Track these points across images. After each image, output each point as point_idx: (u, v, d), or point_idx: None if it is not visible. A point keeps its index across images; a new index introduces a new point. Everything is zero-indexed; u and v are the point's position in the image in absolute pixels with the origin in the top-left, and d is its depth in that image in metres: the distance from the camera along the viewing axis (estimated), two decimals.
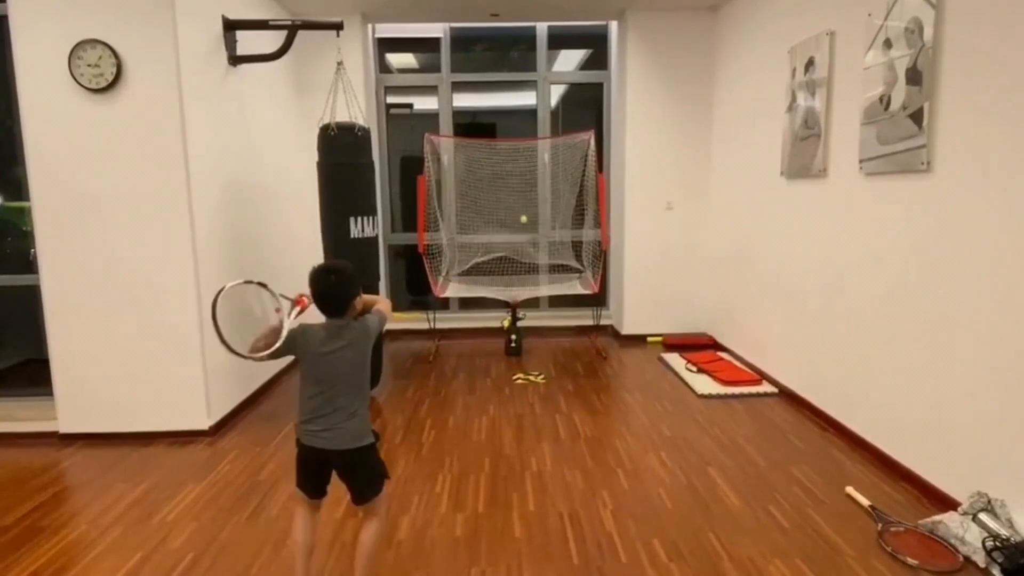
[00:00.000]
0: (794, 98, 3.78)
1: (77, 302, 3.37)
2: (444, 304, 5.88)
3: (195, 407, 3.45)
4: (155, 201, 3.31)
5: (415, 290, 6.02)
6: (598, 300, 5.47)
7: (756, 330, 4.46)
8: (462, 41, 5.72)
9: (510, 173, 5.39)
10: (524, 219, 5.28)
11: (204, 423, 3.47)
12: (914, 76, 2.69)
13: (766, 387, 4.10)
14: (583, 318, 5.75)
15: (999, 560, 2.11)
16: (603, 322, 5.78)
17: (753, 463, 3.05)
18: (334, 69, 3.86)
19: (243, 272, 3.93)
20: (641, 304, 5.47)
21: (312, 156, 3.96)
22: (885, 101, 2.89)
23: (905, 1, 2.75)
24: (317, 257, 3.97)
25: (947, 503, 2.53)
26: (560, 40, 5.73)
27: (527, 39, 5.67)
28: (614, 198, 5.63)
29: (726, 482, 2.86)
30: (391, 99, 5.80)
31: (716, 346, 5.10)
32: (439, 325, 5.61)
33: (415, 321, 5.75)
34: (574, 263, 5.50)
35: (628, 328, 5.49)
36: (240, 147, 4.00)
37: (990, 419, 2.38)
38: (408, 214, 5.86)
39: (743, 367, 4.48)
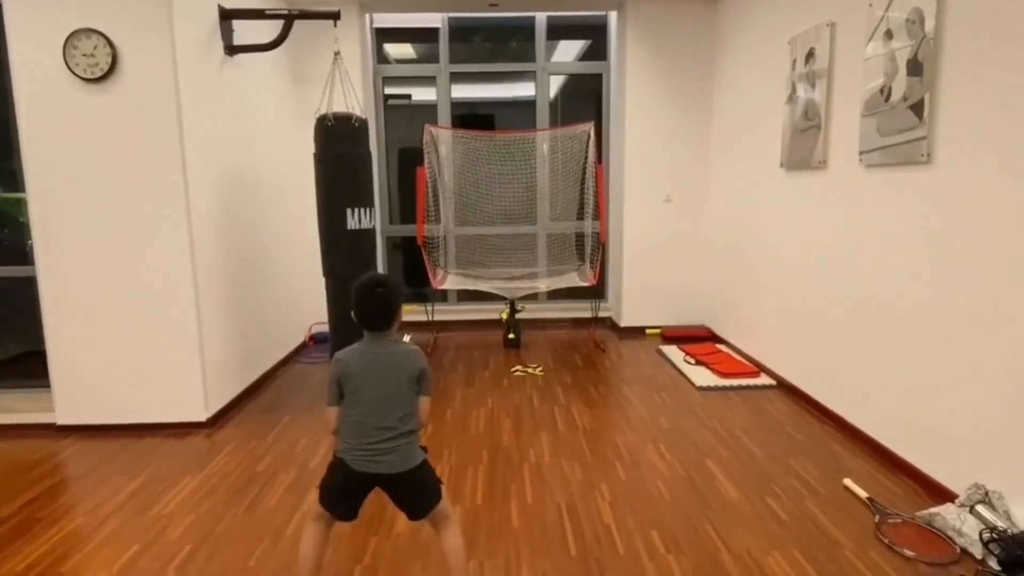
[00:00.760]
0: (794, 89, 3.76)
1: (74, 294, 3.35)
2: (442, 296, 5.87)
3: (192, 399, 3.45)
4: (151, 191, 3.29)
5: (413, 282, 6.00)
6: (596, 292, 5.46)
7: (755, 322, 4.46)
8: (460, 31, 5.68)
9: (509, 165, 5.37)
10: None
11: (202, 415, 3.46)
12: (915, 67, 2.67)
13: (764, 379, 4.10)
14: (581, 310, 5.75)
15: (996, 552, 2.12)
16: (601, 314, 5.78)
17: (751, 455, 3.05)
18: (331, 59, 3.83)
19: (239, 263, 3.92)
20: (639, 296, 5.46)
21: (309, 147, 3.93)
22: (886, 92, 2.87)
23: None
24: (314, 248, 3.96)
25: (945, 495, 2.53)
26: (559, 30, 5.70)
27: (526, 29, 5.63)
28: (613, 190, 5.61)
29: (724, 474, 2.86)
30: (389, 90, 5.77)
31: (714, 338, 5.10)
32: (437, 317, 5.60)
33: (413, 313, 5.74)
34: (573, 255, 5.49)
35: (627, 320, 5.49)
36: (237, 137, 3.98)
37: (988, 411, 2.38)
38: (406, 206, 5.84)
39: (742, 359, 4.48)
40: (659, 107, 5.23)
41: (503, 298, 5.12)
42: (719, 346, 4.83)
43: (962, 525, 2.26)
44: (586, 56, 5.85)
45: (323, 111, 3.74)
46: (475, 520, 2.51)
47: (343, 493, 1.91)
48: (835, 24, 3.34)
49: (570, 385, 4.16)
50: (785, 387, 3.96)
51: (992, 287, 2.34)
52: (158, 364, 3.41)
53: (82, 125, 3.23)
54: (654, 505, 2.61)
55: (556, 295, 5.87)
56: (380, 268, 4.79)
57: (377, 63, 5.61)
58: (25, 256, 3.57)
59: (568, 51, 5.88)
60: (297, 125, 4.99)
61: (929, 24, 2.59)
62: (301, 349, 5.01)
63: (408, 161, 5.66)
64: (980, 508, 2.28)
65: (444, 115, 5.70)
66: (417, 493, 1.92)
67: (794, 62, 3.76)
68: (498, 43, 5.84)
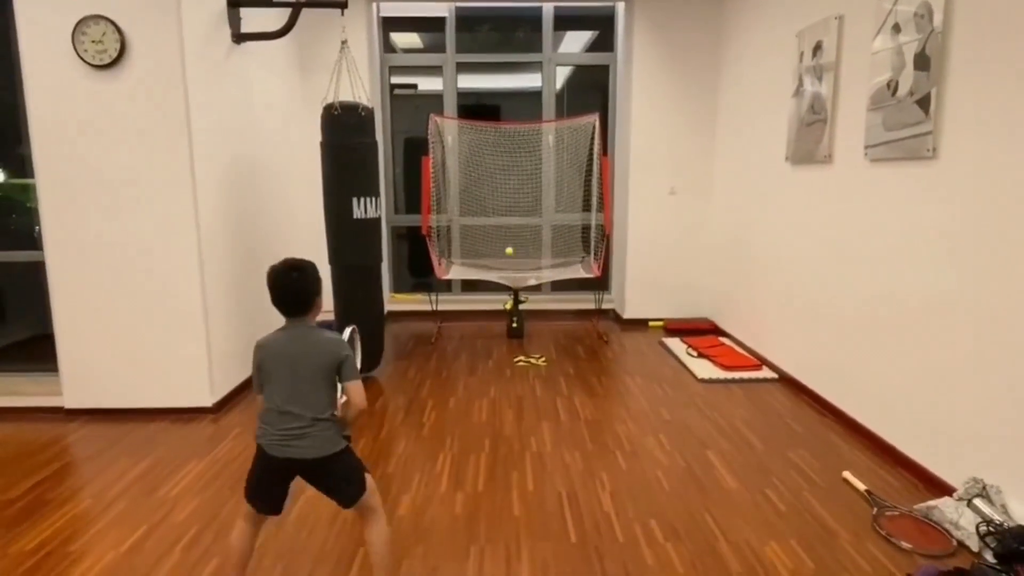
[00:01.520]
0: (801, 83, 3.75)
1: (81, 279, 3.38)
2: (447, 286, 5.89)
3: (199, 384, 3.48)
4: (159, 178, 3.31)
5: (417, 272, 6.03)
6: (600, 284, 5.48)
7: (757, 315, 4.47)
8: (467, 21, 5.67)
9: (514, 156, 5.37)
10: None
11: (207, 400, 3.50)
12: (922, 62, 2.67)
13: (766, 372, 4.12)
14: (585, 302, 5.76)
15: (992, 545, 2.14)
16: (605, 306, 5.79)
17: (751, 447, 3.07)
18: (338, 48, 3.84)
19: (245, 249, 3.94)
20: (643, 288, 5.47)
21: (315, 136, 3.95)
22: (892, 87, 2.87)
23: None
24: (320, 237, 3.98)
25: (943, 489, 2.55)
26: (566, 21, 5.68)
27: (533, 20, 5.62)
28: (618, 182, 5.61)
29: (724, 465, 2.89)
30: (395, 79, 5.77)
31: (717, 331, 5.12)
32: (441, 307, 5.62)
33: (417, 303, 5.76)
34: (577, 247, 5.50)
35: (630, 312, 5.51)
36: (244, 125, 4.00)
37: (987, 406, 2.39)
38: (411, 196, 5.85)
39: (744, 352, 4.49)
40: (665, 99, 5.22)
41: (507, 288, 5.14)
42: (721, 339, 4.84)
43: (959, 518, 2.28)
44: (593, 47, 5.83)
45: (330, 100, 3.76)
46: (476, 506, 2.54)
47: (262, 480, 1.88)
48: (843, 17, 3.33)
49: (572, 376, 4.18)
50: (786, 380, 3.98)
51: (994, 282, 2.35)
52: (165, 349, 3.44)
53: (91, 111, 3.25)
54: (654, 494, 2.64)
55: (560, 286, 5.89)
56: (385, 258, 4.80)
57: (384, 52, 5.61)
58: (33, 241, 3.60)
59: (575, 42, 5.86)
60: (303, 114, 5.00)
61: (937, 18, 2.58)
62: None
63: (413, 151, 5.67)
64: (978, 502, 2.30)
65: (450, 105, 5.70)
66: (335, 481, 1.88)
67: (801, 55, 3.75)
68: (505, 33, 5.83)
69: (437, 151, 5.21)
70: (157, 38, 3.20)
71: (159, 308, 3.41)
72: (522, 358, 4.56)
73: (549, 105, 5.72)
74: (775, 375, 4.08)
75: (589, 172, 5.29)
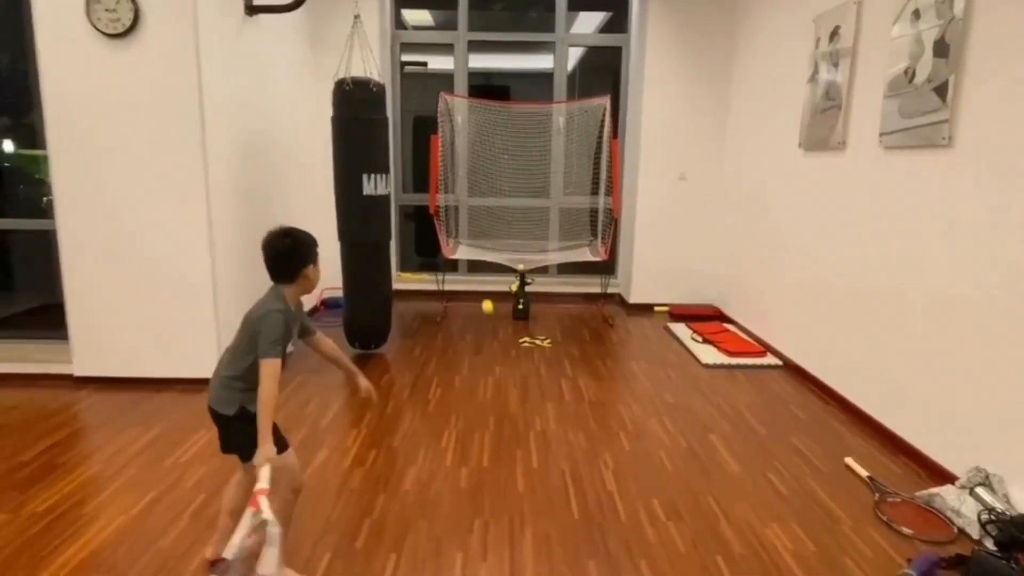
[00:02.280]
0: (817, 68, 3.72)
1: (92, 248, 3.40)
2: (453, 266, 5.90)
3: (207, 355, 3.50)
4: (170, 149, 3.31)
5: (424, 251, 6.03)
6: (606, 268, 5.48)
7: (763, 302, 4.47)
8: None
9: (524, 137, 5.35)
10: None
11: None
12: (941, 48, 2.64)
13: (771, 359, 4.13)
14: (591, 285, 5.77)
15: (993, 533, 2.15)
16: (611, 290, 5.79)
17: (754, 431, 3.09)
18: (350, 23, 3.81)
19: (254, 222, 3.95)
20: (649, 273, 5.47)
21: (325, 110, 3.94)
22: (910, 74, 2.84)
23: None
24: (329, 212, 3.98)
25: (945, 477, 2.57)
26: (579, 1, 5.62)
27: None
28: (627, 166, 5.58)
29: (726, 448, 2.91)
30: (406, 56, 5.73)
31: (722, 318, 5.12)
32: (447, 287, 5.63)
33: (424, 283, 5.77)
34: (585, 230, 5.49)
35: (635, 297, 5.51)
36: (255, 98, 3.98)
37: (991, 395, 2.39)
38: (419, 175, 5.84)
39: (748, 339, 4.50)
40: (677, 82, 5.18)
41: (513, 270, 5.14)
42: (727, 325, 4.84)
43: (961, 506, 2.29)
44: (606, 28, 5.78)
45: (341, 75, 3.74)
46: (481, 482, 2.56)
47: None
48: (862, 2, 3.28)
49: (577, 358, 4.20)
50: (790, 367, 3.99)
51: (1004, 272, 2.34)
52: (174, 320, 3.47)
53: (104, 81, 3.24)
54: (656, 475, 2.66)
55: (566, 269, 5.90)
56: (394, 235, 4.80)
57: (395, 29, 5.57)
58: (43, 212, 3.61)
59: (588, 23, 5.81)
60: (314, 88, 4.98)
61: (959, 6, 2.55)
62: (313, 313, 5.07)
63: (422, 130, 5.65)
64: (980, 490, 2.31)
65: (460, 84, 5.66)
66: (227, 437, 1.96)
67: (818, 40, 3.71)
68: (518, 12, 5.78)
69: (446, 130, 5.19)
70: (171, 7, 3.19)
71: (169, 279, 3.43)
72: (527, 339, 4.57)
73: (560, 86, 5.68)
74: (779, 362, 4.09)
75: (598, 155, 5.28)
